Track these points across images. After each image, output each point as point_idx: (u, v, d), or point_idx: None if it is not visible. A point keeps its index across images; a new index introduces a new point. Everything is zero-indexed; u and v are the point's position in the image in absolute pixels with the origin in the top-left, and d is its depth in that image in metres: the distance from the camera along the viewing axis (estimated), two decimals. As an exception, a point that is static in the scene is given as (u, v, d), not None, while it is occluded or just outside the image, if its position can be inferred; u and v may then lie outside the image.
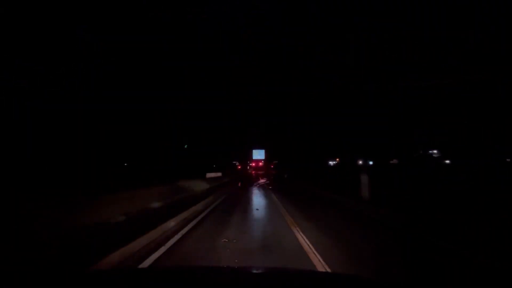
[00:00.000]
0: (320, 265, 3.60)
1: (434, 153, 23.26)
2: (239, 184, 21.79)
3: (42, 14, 9.65)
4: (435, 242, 4.81)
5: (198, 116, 23.92)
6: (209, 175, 18.13)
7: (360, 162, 32.16)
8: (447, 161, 20.54)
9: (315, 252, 4.11)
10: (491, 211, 5.78)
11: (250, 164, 67.87)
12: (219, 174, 21.30)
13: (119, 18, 12.58)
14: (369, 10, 12.52)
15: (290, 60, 20.37)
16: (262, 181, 30.81)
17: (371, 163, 30.33)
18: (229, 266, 3.03)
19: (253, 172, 60.26)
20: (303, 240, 4.78)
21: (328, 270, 3.44)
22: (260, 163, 67.49)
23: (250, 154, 64.37)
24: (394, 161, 25.12)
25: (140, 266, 3.53)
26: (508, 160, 14.49)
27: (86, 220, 3.89)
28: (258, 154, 65.22)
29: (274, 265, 3.37)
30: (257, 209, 8.77)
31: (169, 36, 15.00)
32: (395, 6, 11.73)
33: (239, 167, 58.01)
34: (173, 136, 19.74)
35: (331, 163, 36.72)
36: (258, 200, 12.07)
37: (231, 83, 25.95)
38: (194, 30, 16.17)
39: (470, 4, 10.97)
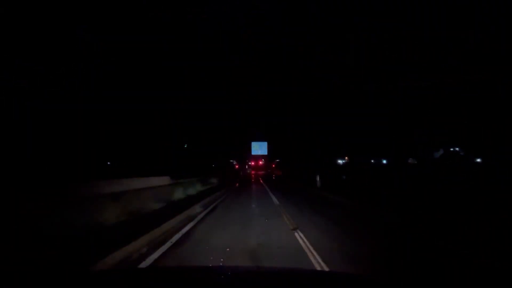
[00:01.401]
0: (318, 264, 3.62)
1: (457, 151, 22.15)
2: (237, 185, 21.69)
3: (42, 14, 9.64)
4: (435, 242, 4.80)
5: (198, 116, 23.85)
6: (120, 186, 7.03)
7: (372, 161, 31.75)
8: (478, 160, 19.72)
9: (313, 252, 4.13)
10: (493, 211, 5.78)
11: (249, 163, 61.31)
12: (165, 179, 9.95)
13: (119, 18, 12.57)
14: (369, 10, 12.51)
15: (290, 60, 20.36)
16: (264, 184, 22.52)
17: (384, 162, 29.75)
18: (229, 266, 3.03)
19: (253, 172, 56.10)
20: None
21: (327, 268, 3.44)
22: (260, 162, 60.52)
23: (249, 150, 52.26)
24: (411, 160, 23.89)
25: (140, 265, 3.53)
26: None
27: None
28: (259, 148, 51.97)
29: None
30: None
31: (169, 36, 14.98)
32: (395, 6, 11.73)
33: (237, 166, 53.73)
34: (173, 136, 19.69)
35: (340, 161, 36.02)
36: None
37: (231, 83, 25.95)
38: (194, 30, 16.16)
39: (470, 4, 10.98)
